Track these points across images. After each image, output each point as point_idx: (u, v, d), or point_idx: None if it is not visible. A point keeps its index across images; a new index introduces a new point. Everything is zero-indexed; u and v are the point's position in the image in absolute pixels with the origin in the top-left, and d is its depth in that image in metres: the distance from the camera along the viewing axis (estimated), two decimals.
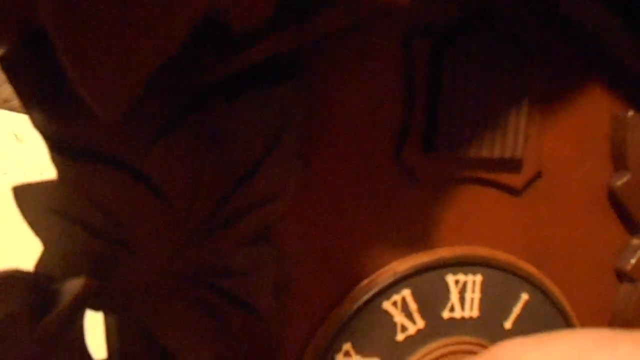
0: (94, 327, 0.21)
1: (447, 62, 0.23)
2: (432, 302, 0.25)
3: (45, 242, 0.20)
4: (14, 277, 0.18)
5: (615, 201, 0.28)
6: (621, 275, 0.28)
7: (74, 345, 0.18)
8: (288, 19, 0.20)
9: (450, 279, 0.26)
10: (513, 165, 0.26)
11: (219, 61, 0.20)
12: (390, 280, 0.25)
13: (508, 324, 0.27)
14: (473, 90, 0.24)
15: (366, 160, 0.24)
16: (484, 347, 0.26)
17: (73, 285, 0.18)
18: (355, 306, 0.24)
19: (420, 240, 0.26)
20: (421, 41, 0.24)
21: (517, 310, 0.27)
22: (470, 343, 0.26)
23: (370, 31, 0.23)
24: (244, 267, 0.22)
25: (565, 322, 0.28)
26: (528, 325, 0.27)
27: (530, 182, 0.27)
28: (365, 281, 0.25)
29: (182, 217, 0.21)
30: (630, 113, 0.27)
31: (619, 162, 0.27)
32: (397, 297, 0.25)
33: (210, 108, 0.21)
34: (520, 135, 0.25)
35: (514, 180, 0.26)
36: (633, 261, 0.28)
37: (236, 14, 0.13)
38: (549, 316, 0.27)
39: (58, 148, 0.19)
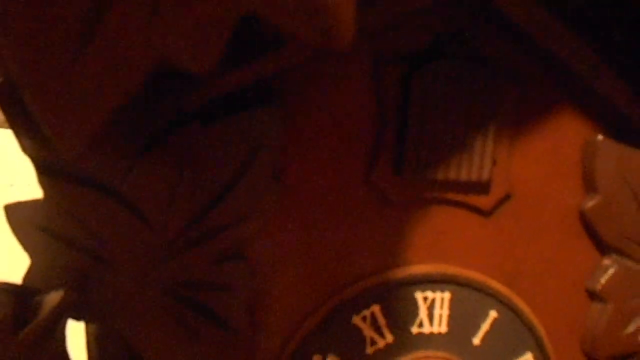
0: (76, 336, 0.23)
1: (415, 86, 0.25)
2: (401, 317, 0.27)
3: (32, 256, 0.22)
4: (1, 289, 0.20)
5: (586, 223, 0.29)
6: (592, 295, 0.29)
7: (55, 352, 0.20)
8: (254, 52, 0.21)
9: (419, 295, 0.27)
10: (481, 187, 0.27)
11: (193, 90, 0.22)
12: (360, 295, 0.26)
13: (476, 340, 0.28)
14: (441, 114, 0.25)
15: (338, 181, 0.26)
16: None
17: (53, 297, 0.20)
18: (326, 320, 0.26)
19: (390, 258, 0.27)
20: (391, 66, 0.25)
21: (485, 327, 0.28)
22: (438, 357, 0.27)
23: (342, 58, 0.25)
24: (218, 282, 0.24)
25: (534, 340, 0.28)
26: (496, 342, 0.28)
27: (499, 204, 0.27)
28: (336, 296, 0.26)
29: (158, 234, 0.22)
30: (600, 137, 0.28)
31: (589, 184, 0.28)
32: (366, 312, 0.26)
33: (186, 132, 0.22)
34: (487, 158, 0.26)
35: (483, 202, 0.27)
36: (603, 281, 0.29)
37: (187, 61, 0.15)
38: (518, 333, 0.28)
39: (44, 170, 0.21)
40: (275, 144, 0.24)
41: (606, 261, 0.29)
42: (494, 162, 0.27)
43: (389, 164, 0.26)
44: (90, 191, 0.21)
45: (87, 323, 0.23)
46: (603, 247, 0.29)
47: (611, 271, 0.29)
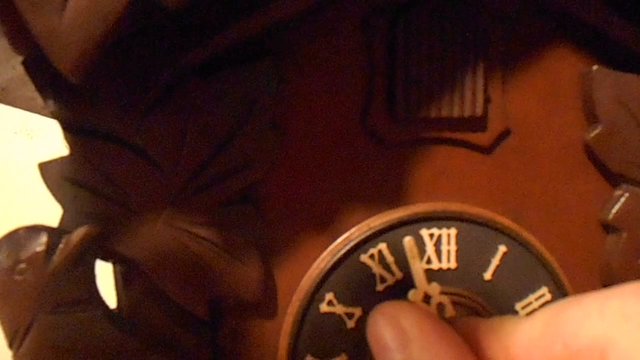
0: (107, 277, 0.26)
1: (400, 28, 0.26)
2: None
3: (63, 206, 0.25)
4: (35, 228, 0.23)
5: (591, 154, 0.29)
6: (605, 226, 0.29)
7: (82, 282, 0.23)
8: (251, 7, 0.24)
9: (424, 232, 0.28)
10: (477, 123, 0.28)
11: (193, 48, 0.25)
12: (366, 234, 0.27)
13: (488, 275, 0.28)
14: (427, 54, 0.26)
15: (336, 128, 0.27)
16: (464, 296, 0.28)
17: (78, 232, 0.22)
18: (335, 259, 0.27)
19: (393, 198, 0.28)
20: (378, 17, 0.27)
21: (495, 261, 0.28)
22: (449, 293, 0.28)
23: (333, 10, 0.27)
24: (228, 222, 0.26)
25: (549, 274, 0.28)
26: (509, 277, 0.28)
27: (498, 140, 0.28)
28: (343, 236, 0.27)
29: (170, 179, 0.25)
30: (595, 67, 0.28)
31: (590, 115, 0.28)
32: (373, 250, 0.27)
33: (189, 87, 0.25)
34: (479, 94, 0.27)
35: (481, 138, 0.28)
36: (614, 210, 0.28)
37: None
38: (529, 267, 0.28)
39: (68, 128, 0.24)
40: (271, 95, 0.26)
41: (617, 191, 0.29)
42: (488, 99, 0.28)
43: (383, 107, 0.27)
44: (109, 144, 0.24)
45: (114, 264, 0.25)
46: (611, 177, 0.29)
47: (622, 200, 0.28)
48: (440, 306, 0.26)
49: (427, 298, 0.27)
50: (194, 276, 0.25)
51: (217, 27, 0.25)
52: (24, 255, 0.22)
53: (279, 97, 0.26)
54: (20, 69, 0.24)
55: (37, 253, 0.22)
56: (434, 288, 0.26)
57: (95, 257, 0.24)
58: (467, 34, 0.27)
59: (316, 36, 0.27)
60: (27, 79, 0.24)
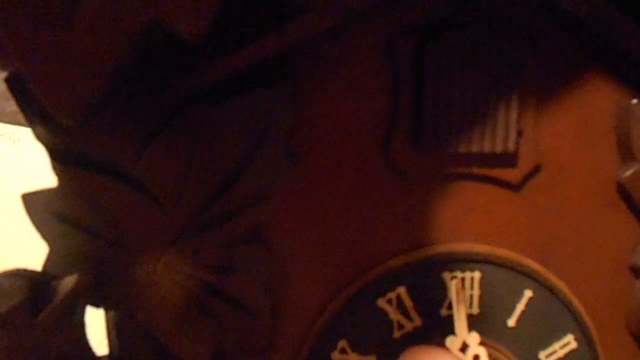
0: (97, 324, 0.23)
1: (429, 56, 0.24)
2: (429, 299, 0.25)
3: (50, 244, 0.22)
4: (19, 275, 0.20)
5: (624, 193, 0.27)
6: (636, 271, 0.27)
7: (72, 336, 0.20)
8: (265, 27, 0.21)
9: (447, 275, 0.25)
10: (508, 159, 0.26)
11: (201, 70, 0.22)
12: (384, 277, 0.25)
13: (512, 322, 0.26)
14: (457, 84, 0.24)
15: (355, 159, 0.25)
16: (487, 345, 0.26)
17: (68, 281, 0.20)
18: (349, 303, 0.25)
19: (414, 237, 0.26)
20: (404, 38, 0.24)
21: (520, 307, 0.26)
22: (488, 344, 0.25)
23: (355, 32, 0.24)
24: (235, 265, 0.23)
25: (575, 320, 0.27)
26: (534, 323, 0.26)
27: (528, 177, 0.26)
28: (359, 278, 0.25)
29: (172, 217, 0.22)
30: (635, 101, 0.26)
31: (625, 152, 0.26)
32: (391, 295, 0.25)
33: (195, 113, 0.22)
34: (511, 129, 0.25)
35: (511, 175, 0.26)
36: None
37: (180, 23, 0.14)
38: (555, 313, 0.26)
39: (57, 157, 0.21)
40: (287, 123, 0.23)
41: None
42: (520, 133, 0.25)
43: (407, 139, 0.25)
44: (103, 176, 0.21)
45: (106, 310, 0.22)
46: None
47: None
48: (476, 358, 0.24)
49: (464, 347, 0.25)
50: (196, 326, 0.22)
51: (228, 49, 0.22)
52: (3, 308, 0.19)
53: (294, 125, 0.24)
54: (3, 85, 0.21)
55: (18, 306, 0.19)
56: (474, 338, 0.24)
57: (86, 305, 0.21)
58: (500, 61, 0.24)
59: (336, 59, 0.24)
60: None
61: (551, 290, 0.26)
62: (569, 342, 0.27)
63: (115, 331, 0.22)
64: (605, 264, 0.27)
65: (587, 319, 0.27)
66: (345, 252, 0.25)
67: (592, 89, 0.26)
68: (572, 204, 0.27)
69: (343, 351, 0.25)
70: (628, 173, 0.26)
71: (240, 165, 0.23)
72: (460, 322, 0.24)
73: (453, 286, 0.24)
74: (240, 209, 0.23)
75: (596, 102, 0.27)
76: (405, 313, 0.25)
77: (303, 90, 0.24)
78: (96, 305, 0.22)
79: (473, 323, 0.26)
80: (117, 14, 0.14)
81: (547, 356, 0.26)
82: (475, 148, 0.25)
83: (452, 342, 0.24)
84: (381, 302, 0.25)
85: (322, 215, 0.25)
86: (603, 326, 0.27)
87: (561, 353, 0.27)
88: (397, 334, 0.25)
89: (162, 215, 0.22)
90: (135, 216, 0.22)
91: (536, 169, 0.26)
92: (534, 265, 0.26)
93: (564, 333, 0.27)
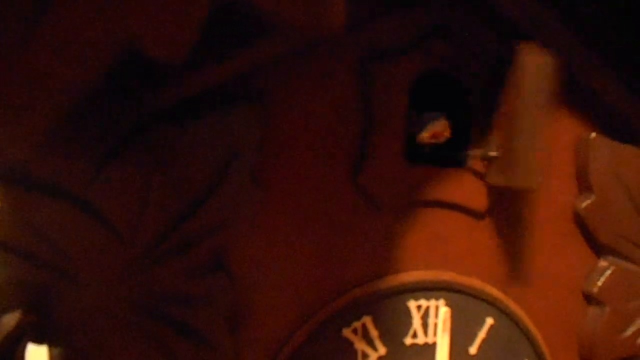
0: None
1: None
2: (393, 328, 0.25)
3: None
4: None
5: (581, 223, 0.27)
6: (588, 298, 0.28)
7: None
8: (232, 46, 0.20)
9: (412, 304, 0.25)
10: (474, 188, 0.26)
11: (164, 87, 0.20)
12: (350, 307, 0.24)
13: (473, 349, 0.26)
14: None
15: (323, 184, 0.24)
16: None
17: (9, 320, 0.17)
18: (314, 334, 0.24)
19: (381, 265, 0.25)
20: (377, 63, 0.24)
21: (482, 334, 0.26)
22: None
23: (326, 55, 0.23)
24: (196, 296, 0.22)
25: (531, 346, 0.27)
26: (493, 350, 0.26)
27: (493, 206, 0.26)
28: (324, 308, 0.24)
29: (128, 246, 0.20)
30: (593, 135, 0.27)
31: (583, 183, 0.27)
32: (357, 324, 0.24)
33: (157, 134, 0.20)
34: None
35: (477, 203, 0.26)
36: (600, 283, 0.28)
37: (157, 48, 0.13)
38: (514, 340, 0.27)
39: (1, 175, 0.19)
40: (254, 146, 0.22)
41: (602, 263, 0.28)
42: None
43: (378, 165, 0.24)
44: (51, 199, 0.19)
45: (49, 346, 0.20)
46: (598, 248, 0.28)
47: (608, 273, 0.28)
48: None
49: None
50: None
51: (194, 66, 0.21)
52: None
53: (261, 148, 0.22)
54: None
55: None
56: None
57: (28, 342, 0.19)
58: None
59: (307, 80, 0.23)
60: None
61: (511, 317, 0.27)
62: None
63: None
64: (561, 290, 0.28)
65: (542, 344, 0.27)
66: (312, 280, 0.24)
67: (553, 121, 0.27)
68: (532, 232, 0.27)
69: None
70: (585, 204, 0.27)
71: (205, 190, 0.21)
72: (442, 351, 0.24)
73: (442, 314, 0.24)
74: (204, 236, 0.21)
75: (557, 134, 0.27)
76: (370, 343, 0.25)
77: (271, 111, 0.23)
78: (39, 341, 0.20)
79: (435, 351, 0.26)
80: (89, 32, 0.12)
81: None
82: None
83: None
84: (346, 332, 0.24)
85: (288, 243, 0.24)
86: (557, 352, 0.28)
87: None
88: None
89: (116, 243, 0.20)
90: (87, 244, 0.20)
91: (501, 198, 0.26)
92: (496, 292, 0.27)
93: (521, 359, 0.27)
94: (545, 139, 0.26)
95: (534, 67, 0.21)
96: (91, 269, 0.20)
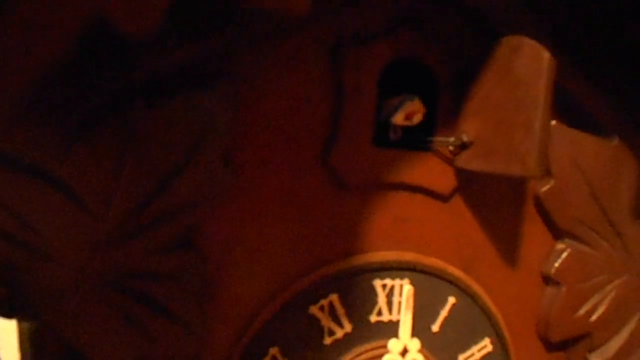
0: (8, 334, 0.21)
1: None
2: (359, 306, 0.26)
3: None
4: None
5: (540, 207, 0.29)
6: (546, 279, 0.29)
7: None
8: (204, 28, 0.20)
9: (377, 283, 0.26)
10: (440, 171, 0.27)
11: (137, 65, 0.20)
12: (318, 284, 0.25)
13: (435, 327, 0.27)
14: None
15: (293, 165, 0.25)
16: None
17: None
18: (281, 310, 0.25)
19: (348, 244, 0.26)
20: (348, 48, 0.24)
21: (444, 313, 0.27)
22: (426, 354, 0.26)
23: (298, 38, 0.24)
24: (166, 272, 0.22)
25: (492, 325, 0.28)
26: (455, 328, 0.28)
27: (457, 189, 0.27)
28: (292, 285, 0.25)
29: (99, 222, 0.20)
30: (554, 122, 0.28)
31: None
32: (324, 302, 0.25)
33: (130, 111, 0.21)
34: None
35: (442, 186, 0.27)
36: (557, 265, 0.29)
37: (126, 21, 0.13)
38: (475, 319, 0.28)
39: None
40: (225, 126, 0.22)
41: (560, 245, 0.29)
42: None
43: (347, 147, 0.25)
44: (21, 175, 0.19)
45: (19, 320, 0.21)
46: (556, 231, 0.29)
47: (565, 255, 0.29)
48: None
49: (404, 351, 0.25)
50: (123, 338, 0.21)
51: (166, 46, 0.21)
52: None
53: (232, 129, 0.23)
54: None
55: None
56: (415, 344, 0.25)
57: None
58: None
59: (278, 62, 0.24)
60: None
61: (472, 297, 0.28)
62: (486, 345, 0.28)
63: (30, 344, 0.20)
64: (520, 271, 0.29)
65: (502, 323, 0.29)
66: (279, 257, 0.25)
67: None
68: (494, 214, 0.28)
69: (274, 358, 0.25)
70: (545, 188, 0.28)
71: (175, 169, 0.22)
72: (405, 328, 0.25)
73: (405, 292, 0.25)
74: (174, 214, 0.22)
75: None
76: (336, 320, 0.25)
77: (242, 93, 0.23)
78: (8, 316, 0.20)
79: (398, 328, 0.27)
80: (57, 9, 0.12)
81: (466, 359, 0.28)
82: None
83: (394, 345, 0.25)
84: (313, 309, 0.25)
85: (257, 222, 0.24)
86: (515, 330, 0.29)
87: (478, 356, 0.28)
88: (327, 340, 0.25)
89: (88, 219, 0.20)
90: (57, 220, 0.20)
91: (465, 181, 0.27)
92: (458, 272, 0.28)
93: (481, 337, 0.28)
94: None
95: (532, 62, 0.22)
96: (62, 245, 0.20)
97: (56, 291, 0.20)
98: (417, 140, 0.26)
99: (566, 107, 0.28)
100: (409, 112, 0.25)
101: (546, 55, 0.22)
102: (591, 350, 0.30)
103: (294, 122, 0.24)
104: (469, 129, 0.25)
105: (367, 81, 0.25)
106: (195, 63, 0.21)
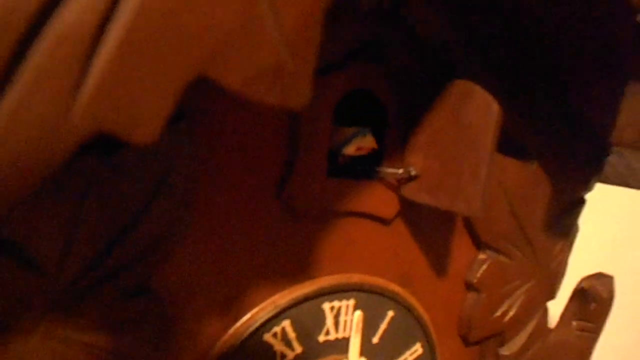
0: None
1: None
2: (309, 328, 0.27)
3: None
4: None
5: (467, 222, 0.31)
6: (469, 286, 0.33)
7: None
8: None
9: (326, 306, 0.27)
10: (385, 198, 0.28)
11: None
12: (271, 313, 0.26)
13: (375, 339, 0.29)
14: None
15: (249, 200, 0.24)
16: None
17: None
18: (238, 341, 0.25)
19: (301, 272, 0.27)
20: None
21: (383, 326, 0.29)
22: None
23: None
24: (126, 320, 0.21)
25: (422, 331, 0.31)
26: (392, 338, 0.30)
27: (399, 213, 0.29)
28: (247, 316, 0.25)
29: (52, 281, 0.19)
30: None
31: None
32: (277, 329, 0.26)
33: (85, 161, 0.19)
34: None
35: (386, 211, 0.28)
36: (478, 274, 0.32)
37: (128, 133, 0.12)
38: (409, 328, 0.30)
39: None
40: (185, 166, 0.22)
41: (481, 256, 0.32)
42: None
43: (301, 179, 0.25)
44: None
45: None
46: (479, 244, 0.32)
47: (485, 265, 0.32)
48: None
49: None
50: None
51: None
52: None
53: (191, 168, 0.22)
54: None
55: None
56: None
57: None
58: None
59: (233, 98, 0.23)
60: None
61: (408, 308, 0.30)
62: (417, 349, 0.31)
63: None
64: (448, 281, 0.32)
65: (431, 328, 0.32)
66: (235, 290, 0.25)
67: None
68: (428, 232, 0.31)
69: None
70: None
71: (135, 216, 0.21)
72: (354, 349, 0.26)
73: (356, 317, 0.26)
74: (133, 263, 0.21)
75: None
76: (288, 344, 0.26)
77: (200, 131, 0.22)
78: None
79: (345, 345, 0.28)
80: (47, 121, 0.11)
81: None
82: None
83: None
84: (267, 337, 0.26)
85: (215, 259, 0.24)
86: (441, 333, 0.32)
87: (410, 359, 0.31)
88: None
89: (40, 279, 0.19)
90: (4, 284, 0.18)
91: (406, 205, 0.29)
92: (397, 288, 0.30)
93: (414, 342, 0.31)
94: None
95: (481, 111, 0.23)
96: (9, 308, 0.19)
97: (11, 358, 0.19)
98: (365, 169, 0.27)
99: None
100: (360, 146, 0.26)
101: (495, 107, 0.23)
102: (501, 344, 0.34)
103: (251, 158, 0.24)
104: (415, 161, 0.27)
105: (322, 114, 0.25)
106: None
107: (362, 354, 0.29)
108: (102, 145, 0.19)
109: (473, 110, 0.24)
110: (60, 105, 0.11)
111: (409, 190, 0.27)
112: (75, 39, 0.10)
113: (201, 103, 0.22)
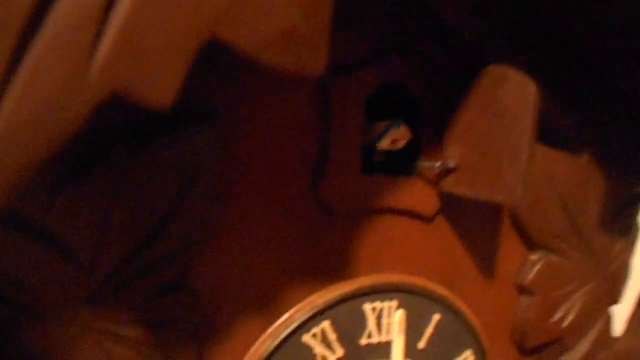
0: None
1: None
2: (350, 330, 0.26)
3: None
4: None
5: (516, 221, 0.30)
6: (520, 289, 0.31)
7: None
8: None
9: (367, 307, 0.26)
10: (424, 194, 0.27)
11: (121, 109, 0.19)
12: (310, 313, 0.25)
13: (421, 344, 0.28)
14: None
15: (283, 197, 0.24)
16: None
17: None
18: (275, 342, 0.25)
19: (338, 271, 0.26)
20: (334, 77, 0.24)
21: (429, 330, 0.28)
22: None
23: None
24: (162, 317, 0.21)
25: (473, 337, 0.29)
26: (440, 344, 0.28)
27: (440, 209, 0.28)
28: (285, 316, 0.25)
29: (90, 273, 0.20)
30: None
31: None
32: (316, 330, 0.25)
33: (117, 156, 0.20)
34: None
35: (426, 208, 0.27)
36: (530, 276, 0.30)
37: (144, 94, 0.12)
38: (458, 333, 0.29)
39: None
40: (215, 164, 0.22)
41: (533, 257, 0.31)
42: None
43: (335, 176, 0.25)
44: (4, 227, 0.18)
45: None
46: (530, 244, 0.30)
47: (538, 266, 0.30)
48: None
49: None
50: None
51: None
52: None
53: (222, 166, 0.22)
54: None
55: None
56: None
57: None
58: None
59: (265, 96, 0.23)
60: None
61: (456, 312, 0.29)
62: (467, 356, 0.29)
63: None
64: (497, 283, 0.30)
65: (481, 334, 0.30)
66: (272, 290, 0.25)
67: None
68: (473, 231, 0.29)
69: None
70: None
71: (167, 212, 0.21)
72: (398, 351, 0.25)
73: (397, 317, 0.25)
74: (166, 259, 0.21)
75: None
76: (328, 345, 0.26)
77: (231, 128, 0.23)
78: None
79: (389, 349, 0.27)
80: (66, 83, 0.11)
81: None
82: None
83: None
84: (306, 338, 0.25)
85: (250, 257, 0.24)
86: (493, 339, 0.30)
87: None
88: None
89: (77, 270, 0.19)
90: (45, 274, 0.19)
91: (447, 202, 0.28)
92: (443, 290, 0.28)
93: (464, 349, 0.29)
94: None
95: (518, 94, 0.22)
96: (49, 300, 0.19)
97: (50, 347, 0.19)
98: (402, 165, 0.27)
99: (539, 126, 0.29)
100: (394, 138, 0.26)
101: (532, 88, 0.23)
102: (561, 353, 0.32)
103: (283, 155, 0.24)
104: (453, 154, 0.26)
105: (353, 110, 0.25)
106: (182, 102, 0.21)
107: (408, 359, 0.27)
108: (133, 138, 0.20)
109: (508, 94, 0.23)
110: (76, 66, 0.11)
111: (447, 184, 0.26)
112: (90, 0, 0.11)
113: (231, 101, 0.22)
